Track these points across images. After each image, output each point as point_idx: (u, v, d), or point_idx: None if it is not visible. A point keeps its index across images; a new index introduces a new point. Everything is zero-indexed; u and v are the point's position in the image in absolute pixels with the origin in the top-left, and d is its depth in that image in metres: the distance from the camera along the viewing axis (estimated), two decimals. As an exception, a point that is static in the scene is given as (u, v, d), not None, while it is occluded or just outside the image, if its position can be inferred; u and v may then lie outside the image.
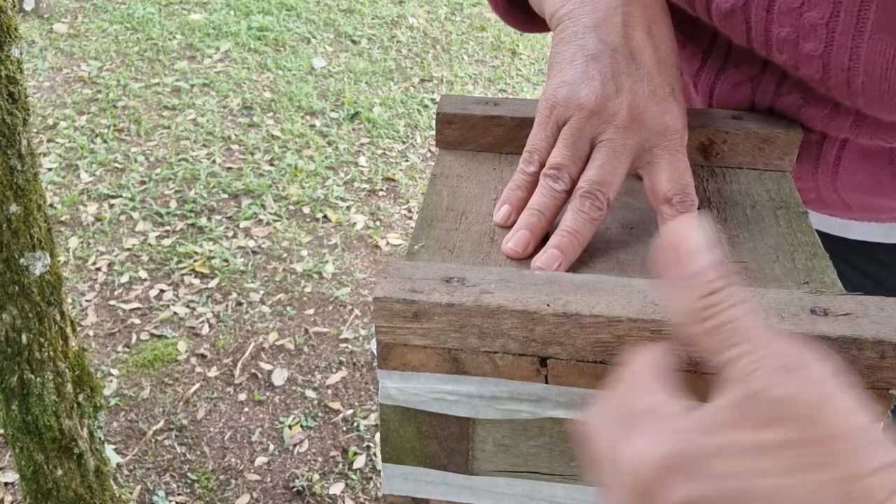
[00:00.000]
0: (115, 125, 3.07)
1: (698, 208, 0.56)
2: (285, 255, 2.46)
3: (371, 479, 1.82)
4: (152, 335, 2.15)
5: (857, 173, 0.65)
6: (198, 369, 2.06)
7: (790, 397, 0.30)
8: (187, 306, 2.25)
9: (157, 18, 3.93)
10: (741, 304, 0.33)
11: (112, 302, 2.26)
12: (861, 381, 0.41)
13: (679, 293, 0.34)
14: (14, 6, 1.10)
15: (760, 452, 0.30)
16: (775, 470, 0.29)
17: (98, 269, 2.37)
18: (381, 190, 2.80)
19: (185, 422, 1.92)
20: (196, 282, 2.34)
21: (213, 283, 2.33)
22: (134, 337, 2.15)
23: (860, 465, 0.29)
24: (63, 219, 2.56)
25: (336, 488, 1.79)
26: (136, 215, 2.59)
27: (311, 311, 2.26)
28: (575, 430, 0.38)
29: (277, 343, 2.15)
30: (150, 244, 2.47)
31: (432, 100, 3.37)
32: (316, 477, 1.81)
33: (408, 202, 2.75)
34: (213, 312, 2.23)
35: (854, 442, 0.29)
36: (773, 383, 0.30)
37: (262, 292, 2.31)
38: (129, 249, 2.45)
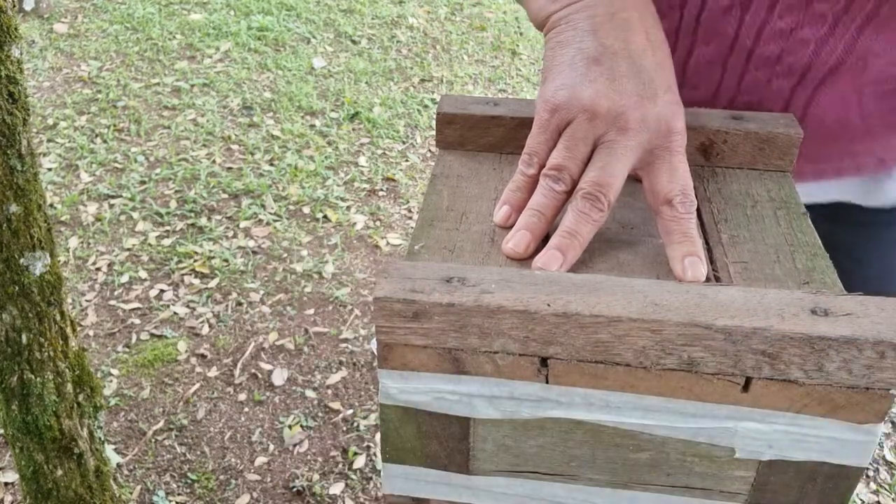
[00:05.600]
0: (115, 125, 3.07)
1: (698, 209, 0.56)
2: (285, 255, 2.46)
3: (371, 479, 1.82)
4: (152, 335, 2.15)
5: (829, 112, 0.67)
6: (198, 369, 2.06)
7: None
8: (187, 306, 2.25)
9: (157, 18, 3.93)
10: None
11: (112, 302, 2.26)
12: (861, 382, 0.41)
13: None
14: (14, 6, 1.10)
15: None
16: None
17: (98, 269, 2.37)
18: (381, 190, 2.80)
19: (185, 422, 1.92)
20: (196, 282, 2.34)
21: (213, 283, 2.33)
22: (134, 337, 2.15)
23: None
24: (63, 219, 2.56)
25: (336, 488, 1.79)
26: (136, 215, 2.59)
27: (311, 311, 2.26)
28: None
29: (277, 343, 2.15)
30: (150, 244, 2.47)
31: (432, 100, 3.37)
32: (316, 477, 1.81)
33: (408, 202, 2.75)
34: (213, 312, 2.23)
35: None
36: None
37: (262, 292, 2.31)
38: (129, 249, 2.45)
